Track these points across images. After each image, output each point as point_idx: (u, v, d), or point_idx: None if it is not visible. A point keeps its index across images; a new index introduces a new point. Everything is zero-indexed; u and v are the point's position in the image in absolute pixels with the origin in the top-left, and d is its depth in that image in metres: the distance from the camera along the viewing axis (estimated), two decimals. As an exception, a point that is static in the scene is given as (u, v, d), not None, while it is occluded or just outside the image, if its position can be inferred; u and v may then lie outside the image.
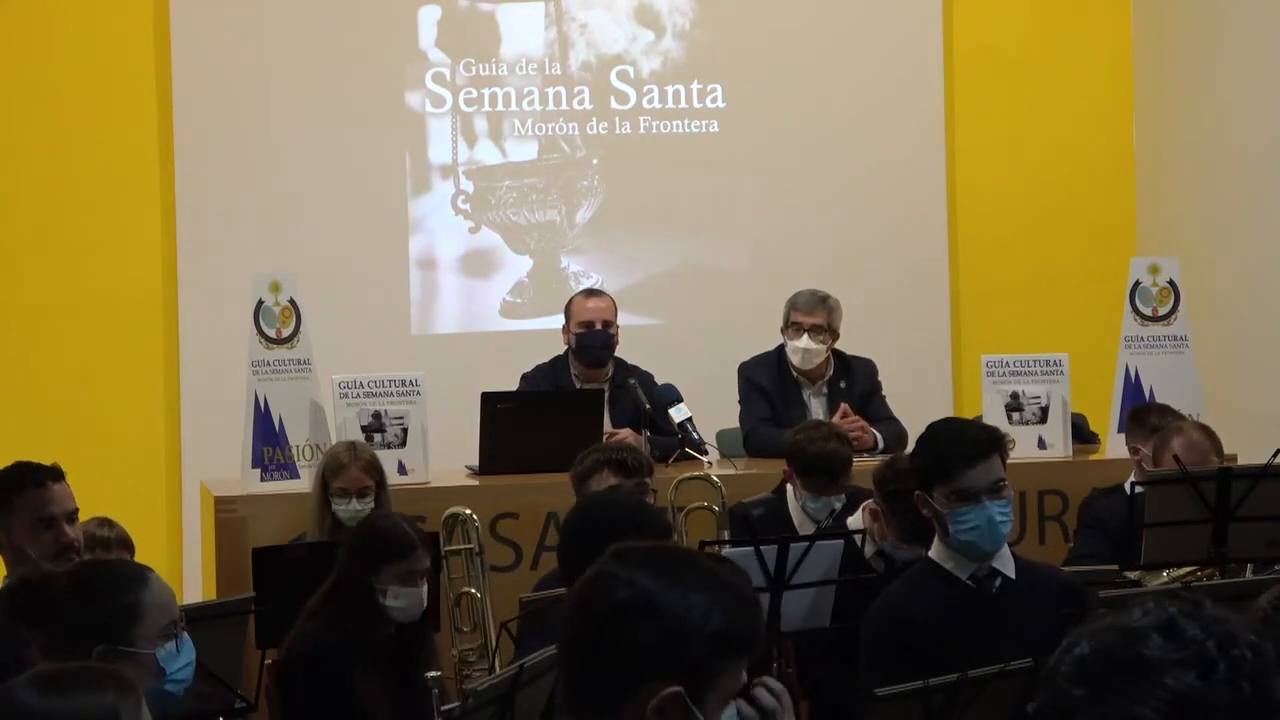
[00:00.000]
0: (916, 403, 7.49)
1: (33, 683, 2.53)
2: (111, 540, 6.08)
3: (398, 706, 4.86)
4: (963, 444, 4.42)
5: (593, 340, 7.37)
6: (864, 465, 6.14)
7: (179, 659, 3.49)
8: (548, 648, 3.78)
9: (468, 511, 4.88)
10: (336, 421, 6.78)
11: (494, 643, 4.80)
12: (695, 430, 7.11)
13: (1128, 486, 6.05)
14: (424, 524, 5.47)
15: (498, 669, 4.67)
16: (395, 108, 9.11)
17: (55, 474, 4.79)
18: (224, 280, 8.47)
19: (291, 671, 5.05)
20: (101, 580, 3.53)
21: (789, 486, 6.00)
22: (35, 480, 4.73)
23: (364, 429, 6.74)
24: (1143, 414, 6.53)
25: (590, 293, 7.61)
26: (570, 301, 7.57)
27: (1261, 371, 8.71)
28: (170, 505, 8.65)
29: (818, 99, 9.39)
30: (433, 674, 4.42)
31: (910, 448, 5.54)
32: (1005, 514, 4.39)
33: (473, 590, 4.85)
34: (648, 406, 7.14)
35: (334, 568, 5.12)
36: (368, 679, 4.74)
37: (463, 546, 5.32)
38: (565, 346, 7.49)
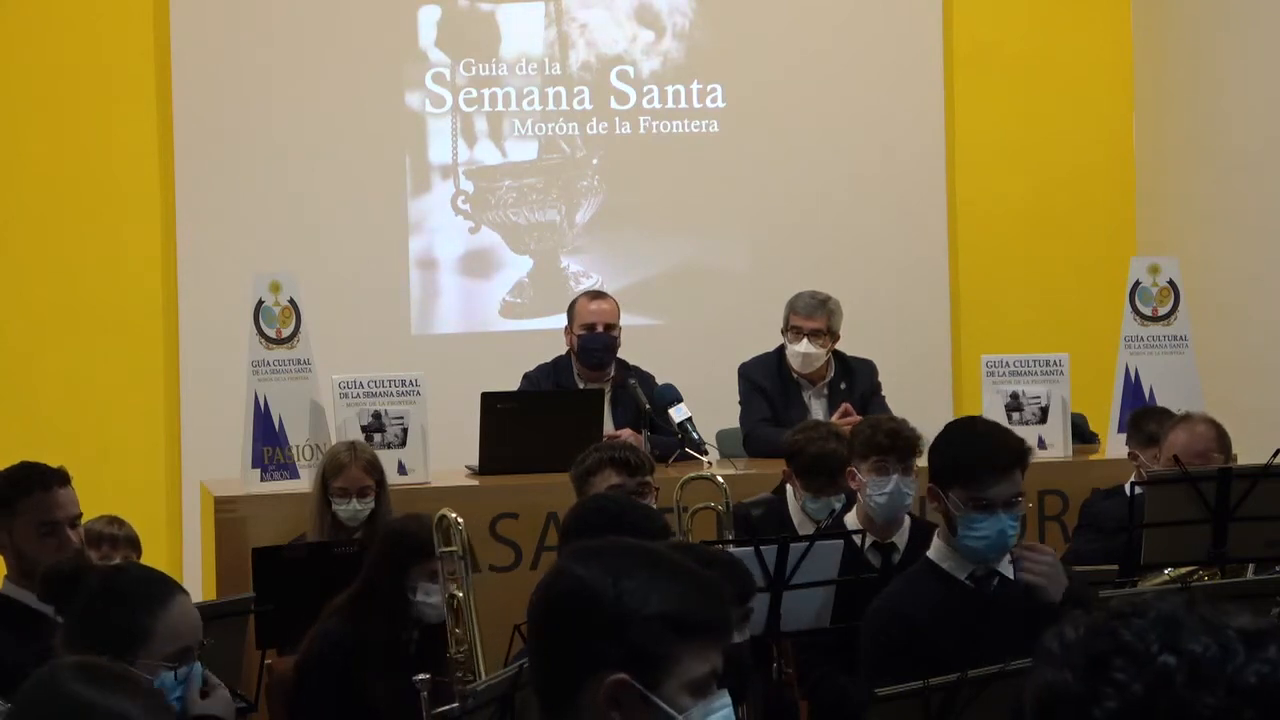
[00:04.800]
0: (916, 403, 7.49)
1: (79, 672, 2.49)
2: (120, 539, 6.09)
3: (414, 709, 4.85)
4: (992, 455, 4.39)
5: (594, 343, 7.37)
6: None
7: (176, 690, 3.38)
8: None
9: (452, 515, 4.87)
10: (336, 421, 6.78)
11: (479, 648, 4.80)
12: (695, 430, 7.11)
13: (1128, 488, 6.05)
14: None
15: (483, 674, 4.67)
16: (395, 108, 9.11)
17: (61, 478, 4.77)
18: (224, 280, 8.47)
19: (306, 670, 5.05)
20: (124, 592, 3.47)
21: (789, 487, 5.99)
22: (42, 484, 4.70)
23: (364, 429, 6.74)
24: (1141, 420, 6.53)
25: (594, 294, 7.60)
26: (574, 302, 7.56)
27: (1261, 371, 8.71)
28: (170, 505, 8.65)
29: (818, 99, 9.40)
30: (420, 676, 4.41)
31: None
32: (1015, 527, 4.40)
33: (459, 593, 4.84)
34: (647, 406, 7.14)
35: (362, 570, 5.11)
36: (386, 681, 4.71)
37: (453, 549, 5.30)
38: (567, 346, 7.49)
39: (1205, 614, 1.58)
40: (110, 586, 3.52)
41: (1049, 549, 4.42)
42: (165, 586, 3.50)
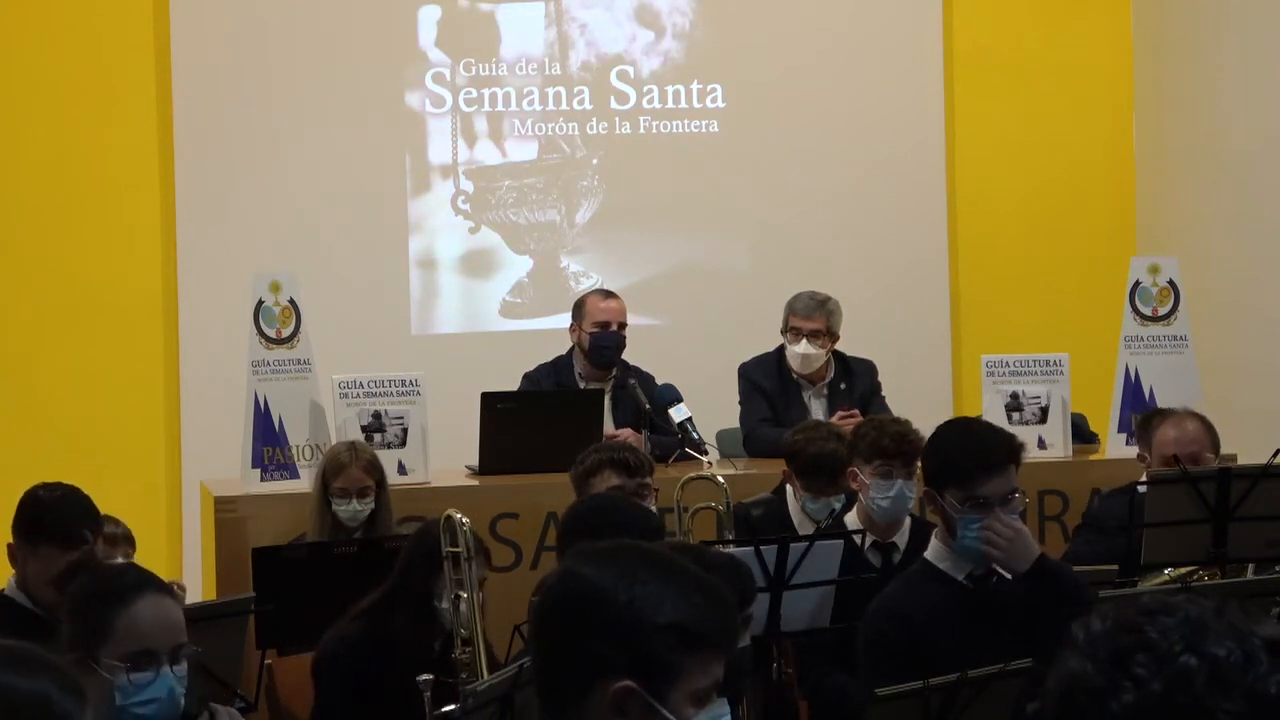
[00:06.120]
0: (916, 403, 7.48)
1: None
2: (119, 536, 6.08)
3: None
4: (985, 452, 4.39)
5: (608, 341, 7.38)
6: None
7: (137, 694, 3.32)
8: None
9: (459, 516, 4.86)
10: (336, 421, 6.78)
11: (481, 649, 4.80)
12: (695, 430, 7.11)
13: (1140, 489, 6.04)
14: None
15: (484, 675, 4.66)
16: (395, 108, 9.11)
17: (88, 536, 4.73)
18: (224, 280, 8.47)
19: (322, 671, 5.04)
20: (97, 589, 3.46)
21: (789, 487, 5.99)
22: (65, 544, 4.66)
23: (364, 429, 6.74)
24: (1145, 420, 6.53)
25: (605, 293, 7.61)
26: (584, 300, 7.56)
27: (1261, 371, 8.71)
28: (170, 505, 8.65)
29: (818, 99, 9.40)
30: (423, 677, 4.40)
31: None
32: None
33: (463, 594, 4.83)
34: (647, 407, 7.15)
35: (391, 573, 5.09)
36: (407, 685, 4.68)
37: (459, 550, 5.30)
38: (571, 345, 7.49)
39: (1234, 620, 1.58)
40: (90, 584, 3.50)
41: (1018, 521, 4.38)
42: (135, 584, 3.43)
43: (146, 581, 3.46)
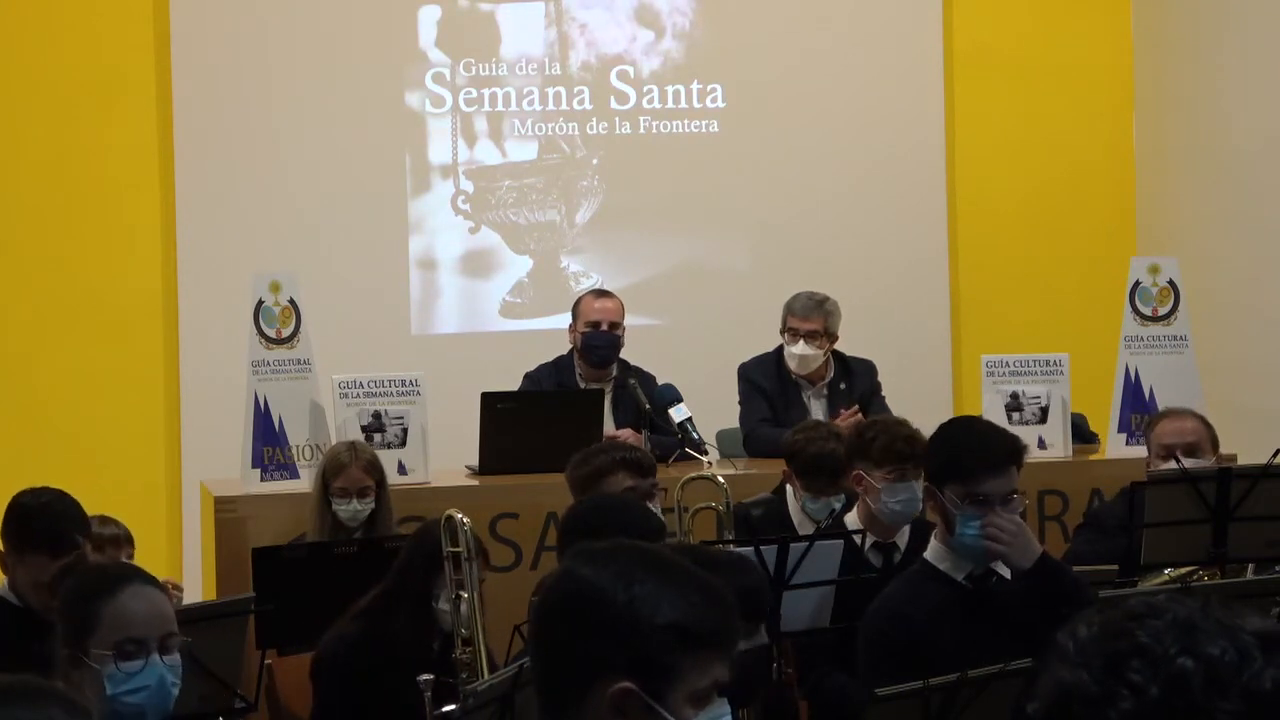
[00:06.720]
0: (916, 403, 7.48)
1: None
2: (121, 537, 6.08)
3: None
4: (988, 450, 4.39)
5: (598, 340, 7.38)
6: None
7: (126, 683, 3.33)
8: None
9: (459, 515, 4.85)
10: (336, 421, 6.78)
11: (482, 649, 4.79)
12: (695, 430, 7.12)
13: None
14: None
15: (484, 674, 4.65)
16: (395, 108, 9.11)
17: (75, 543, 4.72)
18: (224, 280, 8.47)
19: (321, 672, 5.04)
20: (81, 583, 3.48)
21: (789, 487, 5.99)
22: (53, 551, 4.66)
23: (364, 429, 6.74)
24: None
25: (599, 293, 7.62)
26: (579, 300, 7.58)
27: (1261, 371, 8.71)
28: (170, 505, 8.65)
29: (818, 99, 9.40)
30: (423, 677, 4.40)
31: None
32: None
33: (463, 594, 4.82)
34: (647, 407, 7.15)
35: (390, 573, 5.08)
36: (407, 685, 4.68)
37: (459, 550, 5.30)
38: (570, 345, 7.50)
39: (1220, 617, 1.57)
40: (77, 581, 3.52)
41: (1017, 518, 4.39)
42: (120, 576, 3.45)
43: (133, 573, 3.48)
